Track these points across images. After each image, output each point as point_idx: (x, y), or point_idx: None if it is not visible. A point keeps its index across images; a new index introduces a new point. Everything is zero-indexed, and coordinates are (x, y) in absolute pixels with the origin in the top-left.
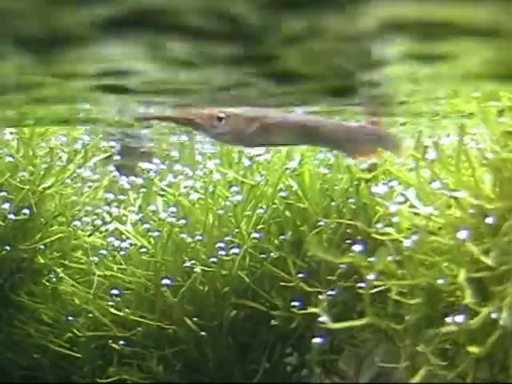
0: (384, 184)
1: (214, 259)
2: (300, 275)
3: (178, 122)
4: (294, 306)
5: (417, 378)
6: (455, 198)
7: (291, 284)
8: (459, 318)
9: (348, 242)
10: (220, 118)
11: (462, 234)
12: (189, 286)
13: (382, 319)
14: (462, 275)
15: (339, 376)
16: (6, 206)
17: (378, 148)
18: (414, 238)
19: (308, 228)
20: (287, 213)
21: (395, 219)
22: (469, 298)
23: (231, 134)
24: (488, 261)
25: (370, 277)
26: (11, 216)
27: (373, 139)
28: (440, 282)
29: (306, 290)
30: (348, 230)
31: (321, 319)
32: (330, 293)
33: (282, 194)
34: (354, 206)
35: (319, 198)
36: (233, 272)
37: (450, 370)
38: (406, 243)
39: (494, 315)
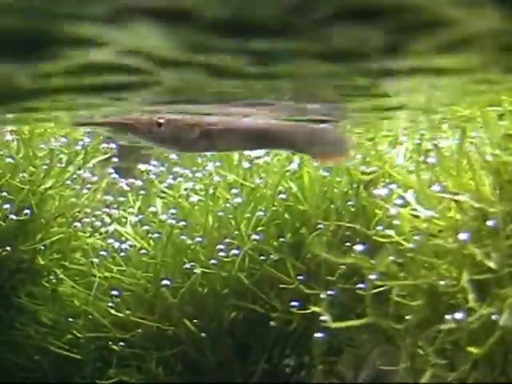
0: (384, 187)
1: (214, 261)
2: (299, 277)
3: (115, 127)
4: (293, 307)
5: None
6: (456, 201)
7: (290, 286)
8: (459, 317)
9: (347, 244)
10: (160, 124)
11: (463, 236)
12: (188, 288)
13: (383, 319)
14: (465, 278)
15: (338, 377)
16: (7, 206)
17: (330, 151)
18: (416, 240)
19: (307, 230)
20: (287, 215)
21: (396, 222)
22: (472, 302)
23: (171, 140)
24: (491, 264)
25: (372, 277)
26: (12, 216)
27: (330, 141)
28: (441, 283)
29: (305, 292)
30: (347, 233)
31: (322, 318)
32: (329, 293)
33: (282, 196)
34: (353, 209)
35: (318, 201)
36: (232, 274)
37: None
38: (409, 245)
39: (493, 316)
